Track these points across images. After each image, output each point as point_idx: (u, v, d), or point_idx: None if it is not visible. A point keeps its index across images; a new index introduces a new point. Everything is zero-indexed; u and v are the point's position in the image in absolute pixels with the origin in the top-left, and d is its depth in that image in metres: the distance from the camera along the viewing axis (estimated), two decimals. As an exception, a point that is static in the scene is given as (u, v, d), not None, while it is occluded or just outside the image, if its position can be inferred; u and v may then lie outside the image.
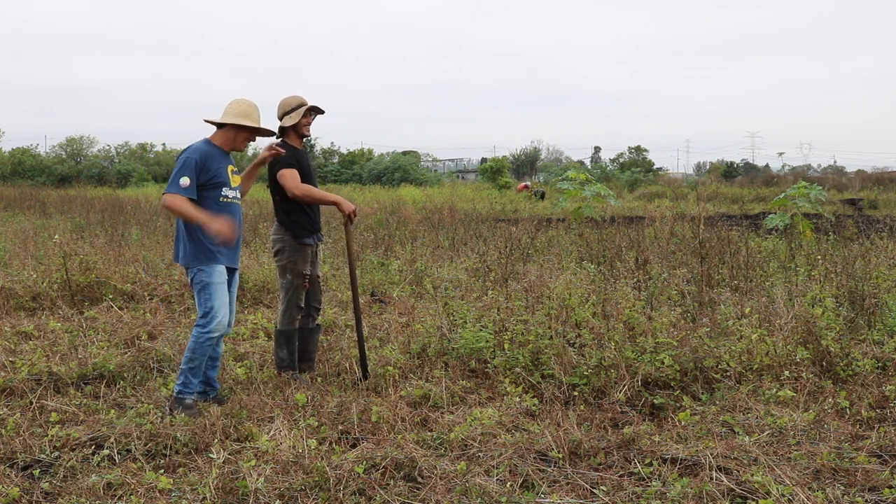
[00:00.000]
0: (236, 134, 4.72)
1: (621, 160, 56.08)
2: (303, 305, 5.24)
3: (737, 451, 3.77)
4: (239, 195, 4.79)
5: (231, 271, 4.72)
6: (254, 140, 4.86)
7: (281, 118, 5.23)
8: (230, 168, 4.71)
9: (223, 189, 4.62)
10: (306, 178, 5.18)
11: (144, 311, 7.13)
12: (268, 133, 4.90)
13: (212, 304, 4.53)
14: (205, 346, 4.54)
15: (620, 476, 3.63)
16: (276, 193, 5.19)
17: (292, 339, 5.22)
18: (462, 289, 7.57)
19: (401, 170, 43.72)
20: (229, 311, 4.74)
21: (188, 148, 4.61)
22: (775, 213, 13.38)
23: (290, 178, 5.08)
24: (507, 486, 3.48)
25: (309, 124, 5.26)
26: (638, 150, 57.07)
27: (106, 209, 16.62)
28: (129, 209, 16.79)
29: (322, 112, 5.32)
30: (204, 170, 4.53)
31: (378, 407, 4.41)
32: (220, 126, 4.73)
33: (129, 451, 3.92)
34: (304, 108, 5.19)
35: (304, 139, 5.34)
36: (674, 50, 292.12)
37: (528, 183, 32.88)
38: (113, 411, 4.44)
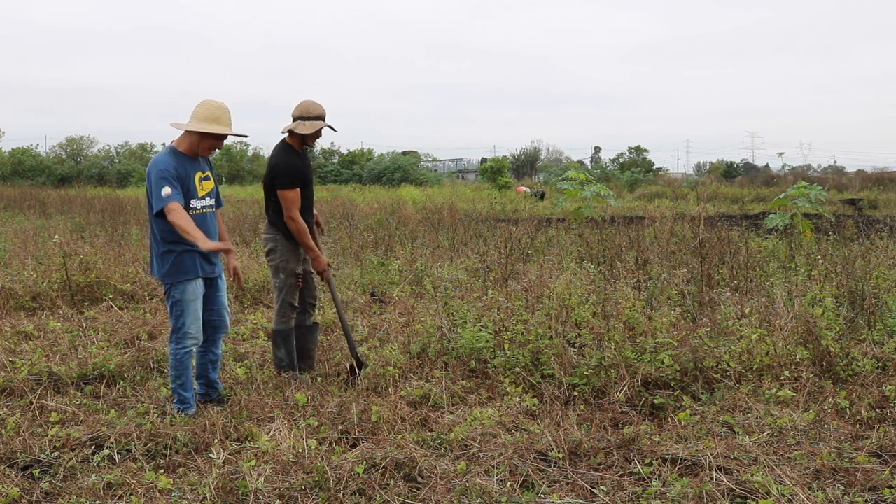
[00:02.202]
0: (200, 139, 4.48)
1: (621, 160, 56.07)
2: (297, 304, 5.23)
3: (737, 451, 3.77)
4: (211, 203, 4.60)
5: (213, 279, 4.64)
6: (220, 147, 4.61)
7: (295, 118, 5.13)
8: (198, 175, 4.52)
9: (190, 201, 4.45)
10: (307, 183, 5.17)
11: (144, 311, 7.13)
12: (238, 136, 4.68)
13: (183, 321, 4.48)
14: (183, 361, 4.50)
15: (620, 476, 3.63)
16: (272, 195, 5.14)
17: (289, 338, 5.22)
18: (462, 289, 7.57)
19: (401, 170, 43.72)
20: (222, 313, 4.71)
21: (156, 162, 4.41)
22: (775, 213, 13.38)
23: (291, 200, 5.03)
24: (507, 486, 3.48)
25: (318, 138, 5.23)
26: (638, 150, 57.07)
27: (106, 209, 16.61)
28: (129, 209, 16.77)
29: (335, 130, 5.31)
30: (177, 180, 4.37)
31: (378, 407, 4.41)
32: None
33: (129, 451, 3.92)
34: (322, 125, 5.14)
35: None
36: (674, 50, 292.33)
37: (527, 188, 32.82)
38: (113, 411, 4.44)
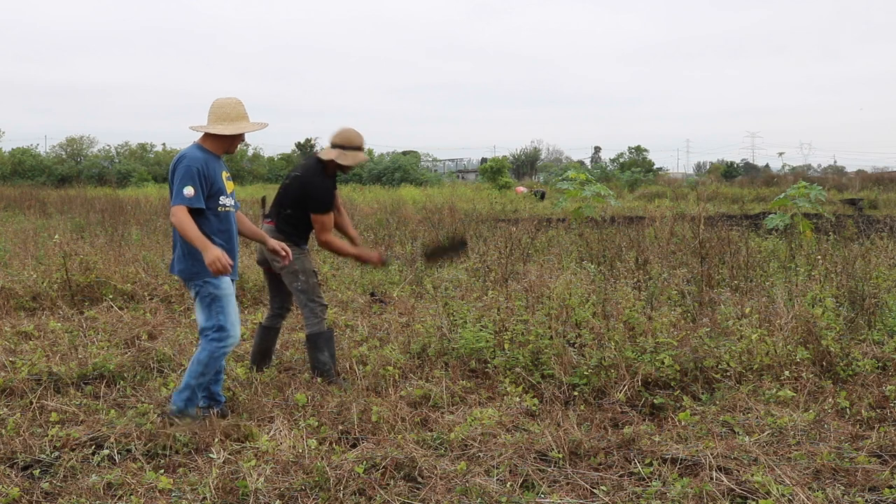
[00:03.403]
0: (233, 139, 4.46)
1: (621, 160, 56.03)
2: (325, 302, 5.23)
3: (737, 451, 3.77)
4: (234, 203, 4.53)
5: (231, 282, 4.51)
6: (243, 140, 4.60)
7: (335, 146, 5.10)
8: (224, 174, 4.47)
9: (220, 198, 4.35)
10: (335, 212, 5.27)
11: (144, 311, 7.13)
12: (259, 127, 4.56)
13: (224, 317, 4.30)
14: (218, 360, 4.34)
15: (620, 476, 3.64)
16: (291, 207, 5.09)
17: (331, 339, 5.20)
18: (462, 289, 7.57)
19: (401, 170, 43.68)
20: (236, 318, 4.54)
21: (183, 156, 4.30)
22: (775, 213, 13.38)
23: (324, 224, 5.09)
24: (507, 486, 3.48)
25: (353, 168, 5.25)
26: (638, 150, 57.03)
27: (106, 209, 16.59)
28: (129, 209, 16.78)
29: (370, 160, 5.36)
30: (205, 178, 4.27)
31: (378, 407, 4.41)
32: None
33: (129, 451, 3.92)
34: (361, 159, 5.14)
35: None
36: (674, 51, 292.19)
37: (525, 188, 32.95)
38: (113, 411, 4.44)
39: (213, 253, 4.17)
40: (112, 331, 6.40)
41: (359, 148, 5.16)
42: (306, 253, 5.19)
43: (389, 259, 5.51)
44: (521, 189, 32.74)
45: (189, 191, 4.21)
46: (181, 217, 4.19)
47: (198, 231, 4.21)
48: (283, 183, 5.25)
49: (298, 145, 52.72)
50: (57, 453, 3.87)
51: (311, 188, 5.07)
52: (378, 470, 3.60)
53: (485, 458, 3.79)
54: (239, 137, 4.48)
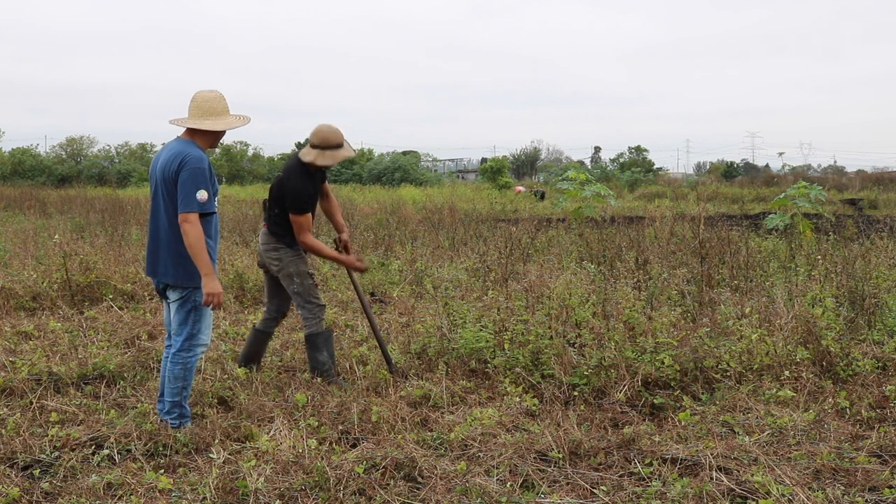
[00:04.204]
0: (219, 134, 4.25)
1: (621, 160, 56.02)
2: (322, 302, 5.20)
3: (737, 451, 3.77)
4: None
5: None
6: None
7: (314, 146, 5.03)
8: None
9: (214, 201, 4.16)
10: (315, 204, 5.17)
11: (144, 311, 7.13)
12: (244, 122, 4.34)
13: (199, 327, 4.21)
14: (192, 370, 4.26)
15: (620, 476, 3.64)
16: (278, 207, 5.06)
17: (329, 339, 5.19)
18: (462, 289, 7.57)
19: (401, 170, 43.69)
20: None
21: (187, 155, 4.06)
22: (775, 213, 13.38)
23: (302, 225, 4.99)
24: (507, 486, 3.48)
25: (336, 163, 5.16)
26: (638, 150, 57.01)
27: (106, 209, 16.58)
28: (129, 209, 16.76)
29: (355, 154, 5.32)
30: (209, 182, 4.09)
31: (378, 407, 4.41)
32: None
33: (129, 451, 3.92)
34: (343, 156, 5.06)
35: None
36: (674, 51, 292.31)
37: (523, 188, 33.01)
38: (113, 411, 4.44)
39: (215, 286, 4.07)
40: (112, 331, 6.40)
41: (337, 146, 5.05)
42: (301, 254, 5.16)
43: (368, 264, 5.36)
44: (520, 188, 32.73)
45: (203, 195, 4.03)
46: (197, 226, 4.01)
47: (206, 251, 4.05)
48: (271, 185, 5.23)
49: (298, 145, 52.74)
50: (57, 453, 3.87)
51: (288, 189, 5.01)
52: (378, 470, 3.60)
53: (485, 458, 3.79)
54: (223, 133, 4.30)
